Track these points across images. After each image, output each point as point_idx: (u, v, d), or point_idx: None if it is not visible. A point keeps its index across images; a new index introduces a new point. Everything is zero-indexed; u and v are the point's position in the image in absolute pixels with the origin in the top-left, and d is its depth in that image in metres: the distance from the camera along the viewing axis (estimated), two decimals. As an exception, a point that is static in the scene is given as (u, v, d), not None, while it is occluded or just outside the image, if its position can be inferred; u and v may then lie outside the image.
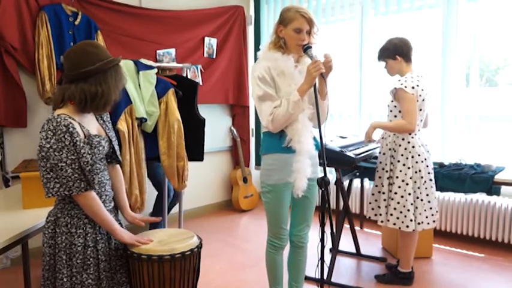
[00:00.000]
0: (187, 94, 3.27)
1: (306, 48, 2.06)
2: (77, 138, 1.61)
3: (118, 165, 1.97)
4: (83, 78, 1.64)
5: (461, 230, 3.77)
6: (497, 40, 3.79)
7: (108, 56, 1.70)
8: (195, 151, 3.26)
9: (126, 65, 3.03)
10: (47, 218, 1.75)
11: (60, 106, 1.68)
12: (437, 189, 3.00)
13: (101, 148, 1.74)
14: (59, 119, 1.59)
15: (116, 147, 1.89)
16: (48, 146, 1.58)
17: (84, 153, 1.63)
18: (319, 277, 2.03)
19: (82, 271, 1.69)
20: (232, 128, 4.93)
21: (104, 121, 1.86)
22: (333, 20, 4.51)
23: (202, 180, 4.68)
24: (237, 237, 3.98)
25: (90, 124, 1.75)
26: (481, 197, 3.63)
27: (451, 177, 3.14)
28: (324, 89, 2.11)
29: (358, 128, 4.33)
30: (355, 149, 3.08)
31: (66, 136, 1.59)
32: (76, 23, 3.45)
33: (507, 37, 3.69)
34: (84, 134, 1.68)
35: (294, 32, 2.08)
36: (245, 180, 4.90)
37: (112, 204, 1.86)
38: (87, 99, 1.64)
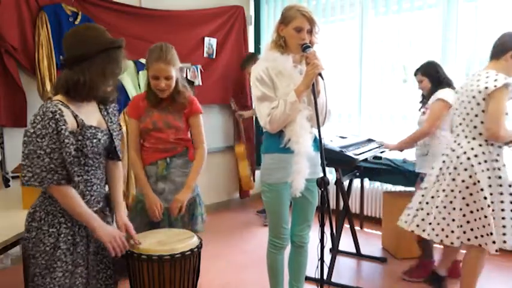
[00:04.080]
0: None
1: (305, 48, 2.05)
2: (62, 127, 1.50)
3: (119, 162, 1.85)
4: (69, 65, 1.54)
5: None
6: (497, 40, 3.79)
7: (102, 41, 1.57)
8: (195, 151, 3.25)
9: (126, 65, 3.03)
10: (29, 209, 1.65)
11: (57, 93, 1.59)
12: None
13: (94, 141, 1.61)
14: (48, 105, 1.50)
15: (117, 143, 1.75)
16: (32, 131, 1.48)
17: (67, 143, 1.51)
18: (319, 277, 2.03)
19: (46, 274, 1.54)
20: (232, 99, 4.78)
21: (108, 113, 1.74)
22: (333, 20, 4.52)
23: (201, 181, 4.66)
24: (237, 237, 3.98)
25: (89, 114, 1.64)
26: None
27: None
28: (316, 85, 2.06)
29: (358, 128, 4.33)
30: (355, 149, 3.07)
31: (50, 123, 1.48)
32: (76, 23, 3.45)
33: (507, 37, 3.68)
34: (78, 124, 1.56)
35: (294, 31, 2.07)
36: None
37: (99, 205, 1.71)
38: (69, 87, 1.54)
